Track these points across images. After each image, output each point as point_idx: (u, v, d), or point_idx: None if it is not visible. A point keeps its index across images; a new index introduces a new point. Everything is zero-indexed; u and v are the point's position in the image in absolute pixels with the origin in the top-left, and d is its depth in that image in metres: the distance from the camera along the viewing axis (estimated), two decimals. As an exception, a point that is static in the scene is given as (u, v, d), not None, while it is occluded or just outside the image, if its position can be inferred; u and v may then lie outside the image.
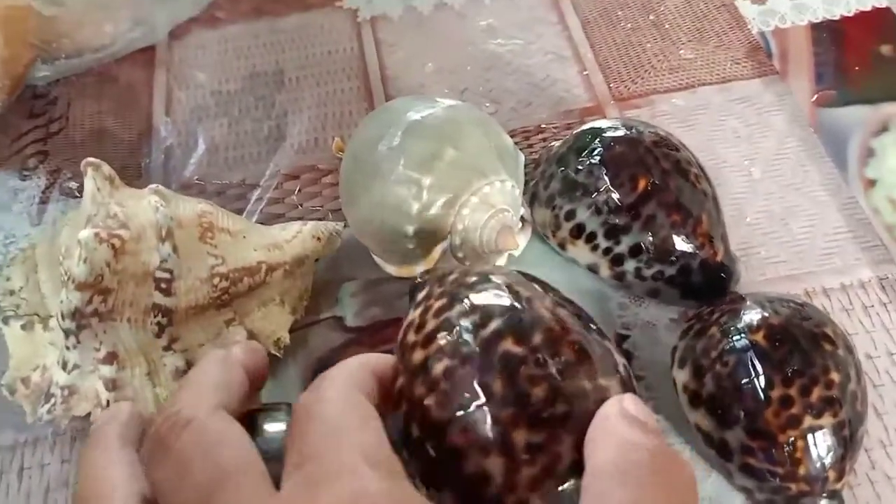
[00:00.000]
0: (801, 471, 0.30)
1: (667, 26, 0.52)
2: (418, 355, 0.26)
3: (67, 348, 0.35)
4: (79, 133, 0.50)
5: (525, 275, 0.29)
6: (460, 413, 0.24)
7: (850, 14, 0.51)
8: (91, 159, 0.37)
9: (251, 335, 0.38)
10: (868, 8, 0.51)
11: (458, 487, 0.24)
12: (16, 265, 0.39)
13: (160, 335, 0.36)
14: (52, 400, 0.36)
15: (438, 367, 0.25)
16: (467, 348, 0.25)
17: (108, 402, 0.35)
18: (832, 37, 0.50)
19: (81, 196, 0.43)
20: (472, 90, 0.50)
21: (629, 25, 0.52)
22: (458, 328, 0.26)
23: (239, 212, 0.44)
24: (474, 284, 0.28)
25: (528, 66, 0.51)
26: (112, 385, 0.35)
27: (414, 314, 0.28)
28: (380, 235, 0.39)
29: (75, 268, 0.33)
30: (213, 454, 0.23)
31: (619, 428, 0.23)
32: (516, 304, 0.26)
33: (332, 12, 0.56)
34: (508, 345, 0.25)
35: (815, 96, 0.47)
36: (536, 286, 0.28)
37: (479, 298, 0.27)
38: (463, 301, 0.27)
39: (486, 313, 0.26)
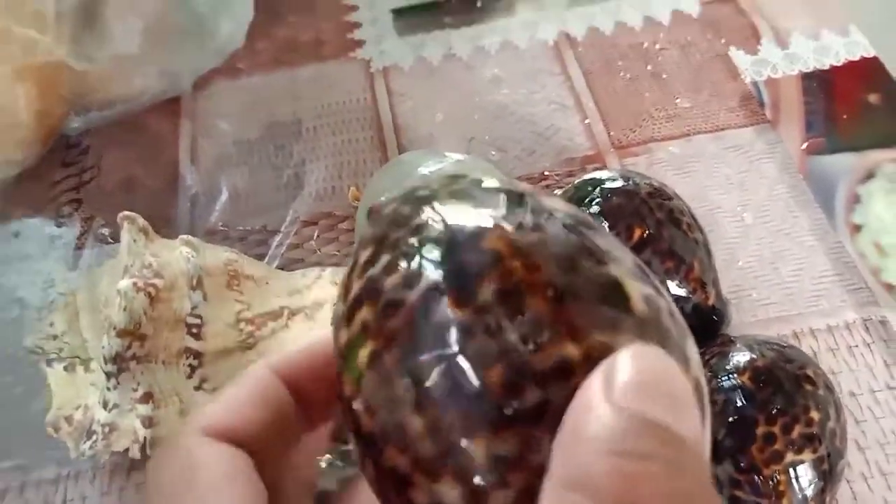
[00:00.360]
0: (785, 502, 0.33)
1: (664, 76, 0.55)
2: (343, 335, 0.18)
3: (108, 389, 0.38)
4: (110, 182, 0.53)
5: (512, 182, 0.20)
6: (393, 422, 0.17)
7: (840, 63, 0.54)
8: (127, 213, 0.41)
9: (275, 375, 0.41)
10: (856, 58, 0.54)
11: None
12: (58, 311, 0.42)
13: (191, 376, 0.39)
14: (94, 437, 0.38)
15: (362, 354, 0.17)
16: (394, 321, 0.17)
17: (144, 438, 0.38)
18: (822, 86, 0.53)
19: (114, 242, 0.47)
20: (478, 139, 0.53)
21: (629, 76, 0.55)
22: (382, 291, 0.17)
23: (260, 257, 0.47)
24: (413, 213, 0.19)
25: (532, 116, 0.54)
26: (148, 422, 0.38)
27: (345, 272, 0.20)
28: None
29: (115, 316, 0.37)
30: (158, 478, 0.19)
31: (599, 440, 0.14)
32: (460, 234, 0.17)
33: (347, 63, 0.59)
34: (446, 308, 0.16)
35: (805, 144, 0.50)
36: (514, 190, 0.19)
37: (412, 236, 0.18)
38: (393, 246, 0.18)
39: (418, 261, 0.17)
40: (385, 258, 0.18)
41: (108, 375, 0.37)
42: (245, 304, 0.40)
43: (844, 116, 0.51)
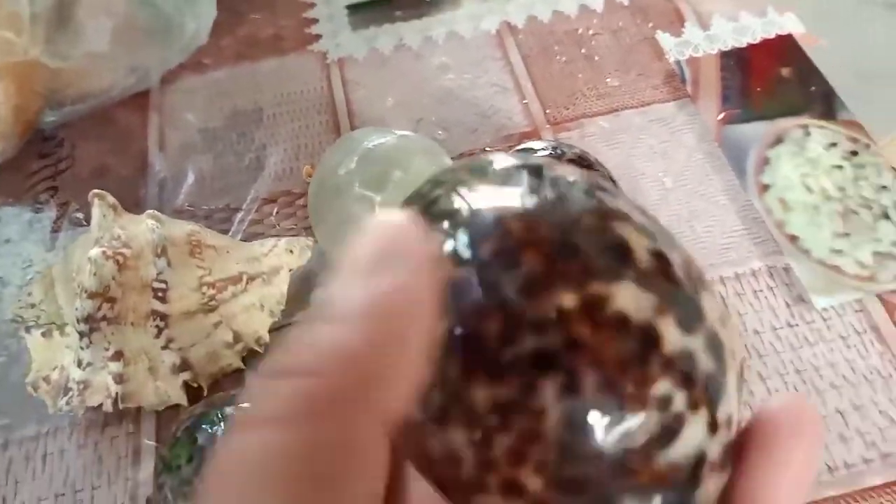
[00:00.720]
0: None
1: (596, 58, 0.59)
2: None
3: (81, 348, 0.42)
4: (84, 170, 0.57)
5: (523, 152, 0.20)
6: None
7: (756, 42, 0.58)
8: (97, 191, 0.45)
9: (236, 335, 0.45)
10: (772, 35, 0.58)
11: (428, 472, 0.18)
12: (36, 283, 0.46)
13: (158, 336, 0.43)
14: (70, 393, 0.42)
15: None
16: None
17: (116, 393, 0.42)
18: (738, 63, 0.57)
19: (88, 224, 0.50)
20: (426, 120, 0.57)
21: (564, 59, 0.59)
22: None
23: (225, 232, 0.51)
24: (442, 196, 0.19)
25: (475, 98, 0.58)
26: (119, 379, 0.42)
27: None
28: (343, 246, 0.45)
29: (87, 280, 0.41)
30: None
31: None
32: (473, 209, 0.18)
33: (304, 55, 0.63)
34: (448, 270, 0.17)
35: (722, 115, 0.54)
36: (528, 164, 0.19)
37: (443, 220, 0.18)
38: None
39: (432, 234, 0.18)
40: None
41: (81, 335, 0.41)
42: (206, 269, 0.44)
43: (758, 89, 0.55)
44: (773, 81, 0.56)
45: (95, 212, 0.44)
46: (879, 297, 0.45)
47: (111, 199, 0.45)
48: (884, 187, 0.49)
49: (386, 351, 0.14)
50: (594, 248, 0.17)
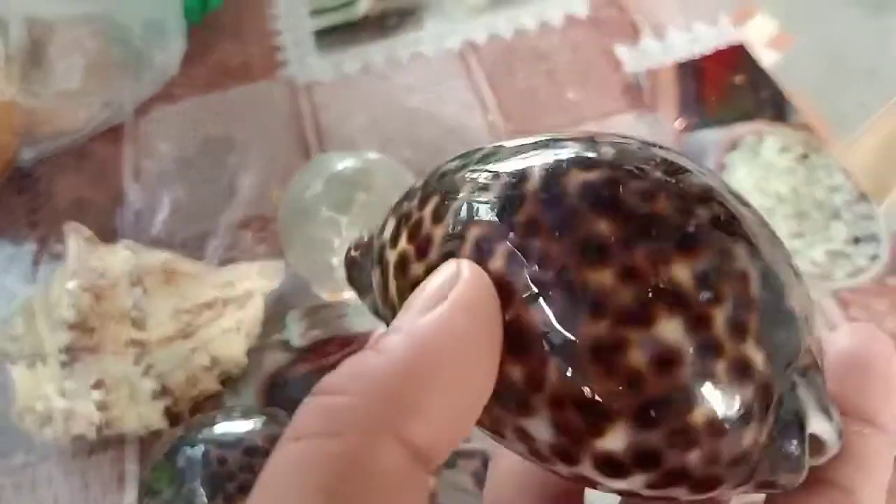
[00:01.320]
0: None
1: (557, 74, 0.61)
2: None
3: (64, 378, 0.43)
4: (62, 204, 0.59)
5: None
6: (576, 291, 0.15)
7: (710, 52, 0.60)
8: (73, 224, 0.46)
9: (213, 359, 0.46)
10: (724, 45, 0.60)
11: (630, 398, 0.15)
12: (18, 316, 0.47)
13: (138, 363, 0.44)
14: (55, 423, 0.44)
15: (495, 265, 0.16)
16: (520, 215, 0.16)
17: (99, 421, 0.43)
18: (694, 72, 0.59)
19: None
20: (394, 141, 0.59)
21: (526, 75, 0.61)
22: (490, 201, 0.16)
23: (200, 259, 0.53)
24: (482, 158, 0.18)
25: (441, 116, 0.60)
26: (102, 406, 0.43)
27: (396, 250, 0.18)
28: (313, 268, 0.47)
29: (65, 312, 0.42)
30: None
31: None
32: (528, 165, 0.17)
33: (273, 82, 0.65)
34: (576, 179, 0.16)
35: (679, 123, 0.56)
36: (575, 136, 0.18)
37: (497, 161, 0.17)
38: (475, 172, 0.17)
39: (518, 166, 0.17)
40: (471, 183, 0.17)
41: (63, 365, 0.43)
42: (182, 296, 0.46)
43: (713, 97, 0.57)
44: (727, 89, 0.58)
45: (71, 244, 0.46)
46: (834, 294, 0.47)
47: (86, 231, 0.46)
48: (835, 188, 0.51)
49: (421, 380, 0.14)
50: (681, 155, 0.17)
